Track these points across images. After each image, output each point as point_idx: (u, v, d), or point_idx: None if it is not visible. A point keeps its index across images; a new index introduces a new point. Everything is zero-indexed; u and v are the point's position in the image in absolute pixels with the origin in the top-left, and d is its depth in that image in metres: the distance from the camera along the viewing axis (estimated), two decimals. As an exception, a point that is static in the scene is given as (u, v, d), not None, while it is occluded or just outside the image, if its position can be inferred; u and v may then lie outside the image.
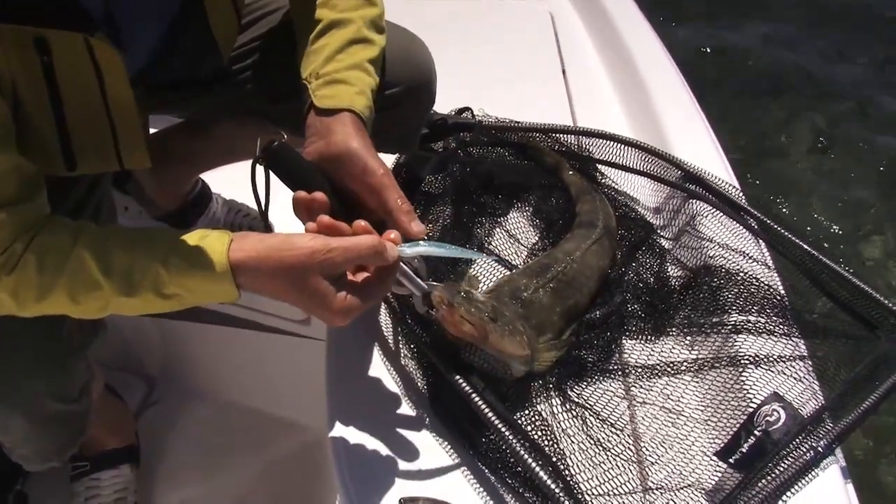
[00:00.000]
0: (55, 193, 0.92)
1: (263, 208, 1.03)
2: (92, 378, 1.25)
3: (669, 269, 1.34)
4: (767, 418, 1.05)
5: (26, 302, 0.86)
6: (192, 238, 0.88)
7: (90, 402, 1.27)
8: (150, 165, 1.04)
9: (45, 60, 0.86)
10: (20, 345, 1.04)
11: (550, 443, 1.03)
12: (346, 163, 0.99)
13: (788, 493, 0.99)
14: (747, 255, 1.33)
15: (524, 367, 1.08)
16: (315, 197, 0.95)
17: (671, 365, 1.18)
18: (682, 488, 1.01)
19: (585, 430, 1.07)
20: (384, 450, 1.08)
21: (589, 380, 1.15)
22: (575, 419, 1.09)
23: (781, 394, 1.08)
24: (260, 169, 1.00)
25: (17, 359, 1.06)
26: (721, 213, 1.40)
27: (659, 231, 1.43)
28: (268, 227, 1.40)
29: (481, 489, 1.03)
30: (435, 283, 1.01)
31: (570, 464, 1.02)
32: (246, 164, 1.02)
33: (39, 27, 0.84)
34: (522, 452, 0.98)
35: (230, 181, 1.54)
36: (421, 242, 0.96)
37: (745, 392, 1.11)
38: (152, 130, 1.39)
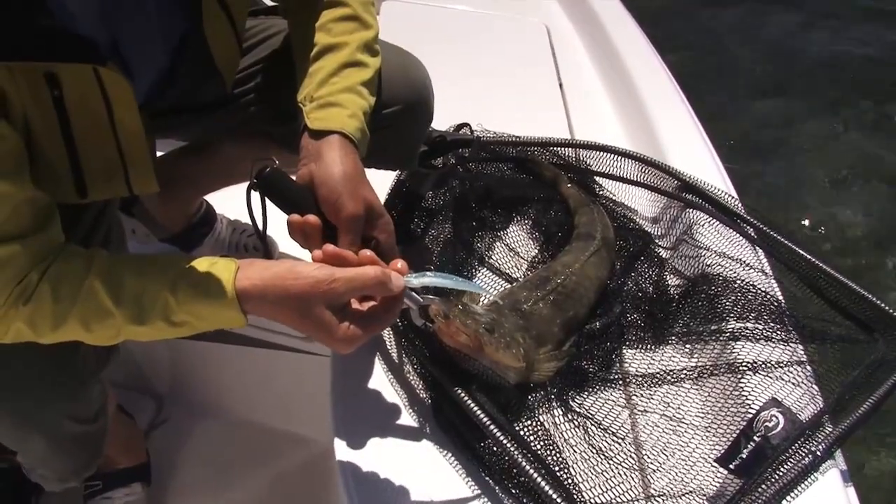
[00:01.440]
0: (66, 220, 0.94)
1: (261, 231, 1.06)
2: (107, 399, 1.27)
3: (668, 279, 1.36)
4: (767, 424, 1.07)
5: (42, 330, 0.89)
6: (200, 266, 0.90)
7: (106, 423, 1.30)
8: (158, 190, 1.06)
9: (55, 94, 0.88)
10: (39, 369, 1.06)
11: (553, 453, 1.05)
12: (324, 191, 1.01)
13: (789, 498, 1.01)
14: (745, 262, 1.35)
15: (520, 378, 1.10)
16: (307, 220, 0.97)
17: (671, 373, 1.19)
18: (683, 495, 1.03)
19: (587, 439, 1.09)
20: (389, 462, 1.10)
21: (590, 389, 1.17)
22: (577, 429, 1.10)
23: (780, 399, 1.10)
24: (255, 193, 1.03)
25: (37, 382, 1.08)
26: (718, 222, 1.42)
27: (657, 241, 1.45)
28: (266, 249, 1.43)
29: (486, 500, 1.05)
30: (431, 297, 1.03)
31: (573, 473, 1.03)
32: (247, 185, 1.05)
33: (50, 62, 0.86)
34: (525, 463, 1.00)
35: (233, 202, 1.56)
36: (427, 273, 0.97)
37: (744, 398, 1.12)
38: (157, 154, 1.42)
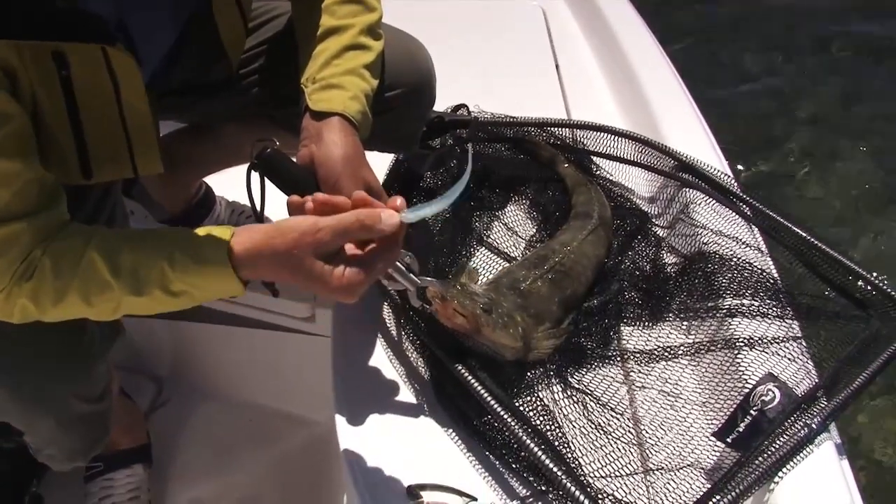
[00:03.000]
0: (71, 202, 0.95)
1: (259, 211, 1.06)
2: (111, 379, 1.28)
3: (664, 257, 1.37)
4: (763, 398, 1.08)
5: (45, 306, 0.89)
6: (195, 235, 0.90)
7: (111, 402, 1.31)
8: (162, 171, 1.07)
9: (63, 74, 0.88)
10: (47, 350, 1.07)
11: (553, 428, 1.06)
12: (324, 172, 1.01)
13: (785, 470, 1.02)
14: (740, 240, 1.36)
15: (518, 357, 1.11)
16: (307, 199, 0.97)
17: (668, 350, 1.21)
18: (681, 468, 1.04)
19: (586, 414, 1.10)
20: (391, 440, 1.11)
21: (589, 366, 1.18)
22: (576, 405, 1.12)
23: (776, 374, 1.11)
24: (255, 173, 1.04)
25: (45, 363, 1.09)
26: (714, 201, 1.43)
27: (653, 220, 1.46)
28: None
29: (487, 475, 1.06)
30: (429, 279, 1.04)
31: (573, 448, 1.05)
32: (246, 167, 1.05)
33: (59, 41, 0.86)
34: (526, 438, 1.01)
35: (232, 184, 1.56)
36: (423, 205, 0.92)
37: (740, 373, 1.14)
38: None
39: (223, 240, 0.89)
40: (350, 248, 0.91)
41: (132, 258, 0.88)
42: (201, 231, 0.91)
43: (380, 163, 1.32)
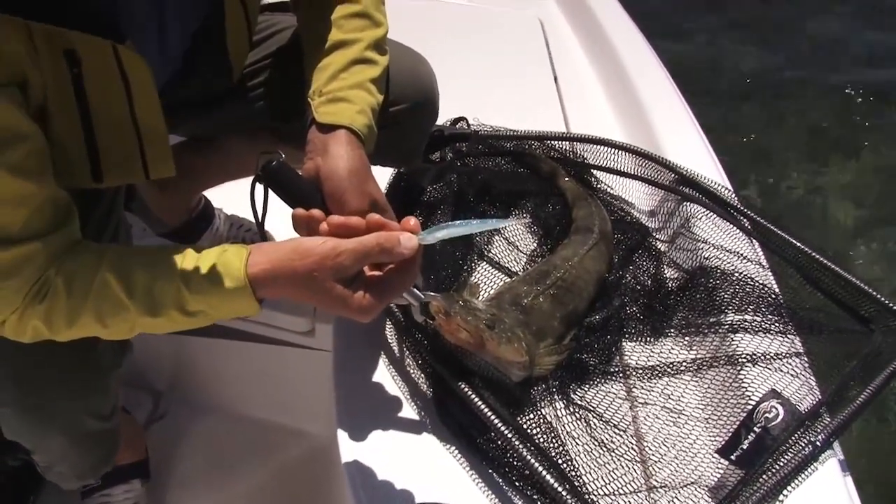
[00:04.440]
0: (79, 216, 0.94)
1: (260, 224, 1.06)
2: (119, 396, 1.28)
3: (666, 272, 1.37)
4: (766, 415, 1.08)
5: (58, 327, 0.89)
6: (211, 254, 0.89)
7: (119, 419, 1.30)
8: (174, 174, 1.06)
9: (74, 72, 0.88)
10: (59, 367, 1.06)
11: (555, 445, 1.06)
12: (330, 185, 1.01)
13: (789, 488, 1.02)
14: (741, 255, 1.36)
15: (522, 372, 1.11)
16: (312, 214, 0.96)
17: (671, 365, 1.20)
18: (685, 486, 1.04)
19: (589, 431, 1.10)
20: (392, 455, 1.11)
21: (591, 382, 1.18)
22: (578, 421, 1.11)
23: (779, 390, 1.11)
24: (259, 185, 1.03)
25: (57, 380, 1.08)
26: (715, 215, 1.43)
27: (654, 234, 1.46)
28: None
29: (490, 493, 1.06)
30: (433, 294, 1.03)
31: (576, 465, 1.04)
32: (246, 180, 1.05)
33: (70, 28, 0.85)
34: (528, 455, 1.00)
35: (231, 197, 1.56)
36: (441, 226, 0.93)
37: (743, 390, 1.13)
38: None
39: (240, 259, 0.88)
40: (367, 269, 0.91)
41: (146, 278, 0.88)
42: (216, 250, 0.90)
43: (377, 171, 1.32)
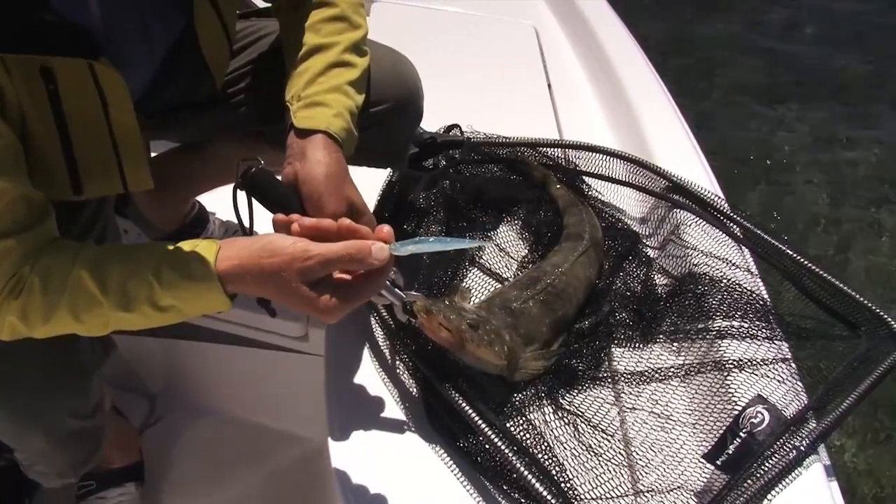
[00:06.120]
0: (62, 220, 0.96)
1: (249, 229, 1.07)
2: (103, 396, 1.28)
3: (655, 278, 1.38)
4: (752, 420, 1.09)
5: (34, 323, 0.90)
6: (181, 250, 0.91)
7: (103, 419, 1.31)
8: (152, 187, 1.07)
9: (50, 89, 0.89)
10: (39, 366, 1.07)
11: (544, 449, 1.07)
12: (307, 190, 1.02)
13: (774, 492, 1.03)
14: (731, 261, 1.38)
15: (503, 374, 1.12)
16: (291, 218, 0.97)
17: (659, 371, 1.21)
18: (671, 490, 1.05)
19: (577, 436, 1.11)
20: (382, 459, 1.12)
21: (580, 388, 1.19)
22: (567, 426, 1.12)
23: (766, 396, 1.12)
24: (242, 192, 1.05)
25: (37, 379, 1.09)
26: (704, 222, 1.44)
27: (644, 241, 1.47)
28: None
29: (479, 496, 1.06)
30: (414, 293, 1.05)
31: (564, 469, 1.05)
32: (239, 184, 1.06)
33: (45, 55, 0.87)
34: (515, 460, 1.02)
35: (225, 202, 1.57)
36: (414, 240, 0.94)
37: (730, 395, 1.14)
38: (151, 155, 1.42)
39: (210, 254, 0.89)
40: (336, 273, 0.93)
41: (120, 274, 0.89)
42: (187, 245, 0.91)
43: (370, 179, 1.33)
